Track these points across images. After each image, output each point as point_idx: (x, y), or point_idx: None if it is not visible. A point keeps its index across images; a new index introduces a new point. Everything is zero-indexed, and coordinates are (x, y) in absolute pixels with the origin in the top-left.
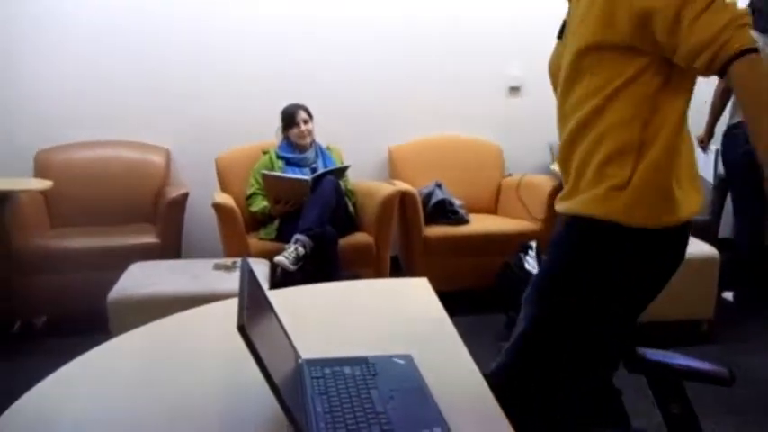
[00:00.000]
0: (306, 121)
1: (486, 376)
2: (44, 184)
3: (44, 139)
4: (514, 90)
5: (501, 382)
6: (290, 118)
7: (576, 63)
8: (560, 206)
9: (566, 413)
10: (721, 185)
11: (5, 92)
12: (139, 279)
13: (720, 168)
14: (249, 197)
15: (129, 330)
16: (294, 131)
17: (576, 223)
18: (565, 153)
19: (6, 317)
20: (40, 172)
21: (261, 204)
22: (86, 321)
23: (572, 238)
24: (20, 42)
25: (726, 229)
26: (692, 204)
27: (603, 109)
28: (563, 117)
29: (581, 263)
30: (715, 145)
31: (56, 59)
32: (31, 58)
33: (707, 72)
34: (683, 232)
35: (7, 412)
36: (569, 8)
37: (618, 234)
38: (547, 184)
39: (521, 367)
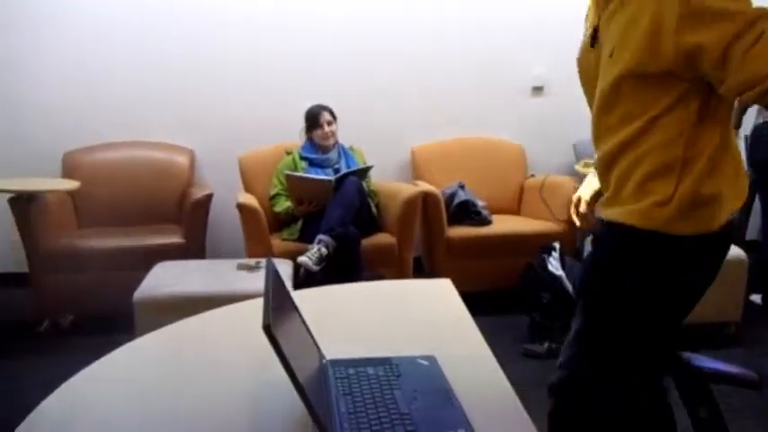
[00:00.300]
0: (330, 123)
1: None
2: (71, 184)
3: (71, 140)
4: (538, 90)
5: (560, 384)
6: (313, 119)
7: (616, 87)
8: (601, 212)
9: (610, 418)
10: (749, 186)
11: (34, 94)
12: (164, 279)
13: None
14: (273, 198)
15: (155, 330)
16: (318, 133)
17: (614, 228)
18: (603, 167)
19: (34, 316)
20: (67, 173)
21: (284, 205)
22: (112, 321)
23: (608, 244)
24: (47, 45)
25: (753, 231)
26: (735, 202)
27: (645, 132)
28: (600, 133)
29: (618, 268)
30: (744, 132)
31: (82, 62)
32: (58, 60)
33: (755, 103)
34: (726, 232)
35: (35, 412)
36: (597, 14)
37: (658, 241)
38: (570, 184)
39: (576, 368)
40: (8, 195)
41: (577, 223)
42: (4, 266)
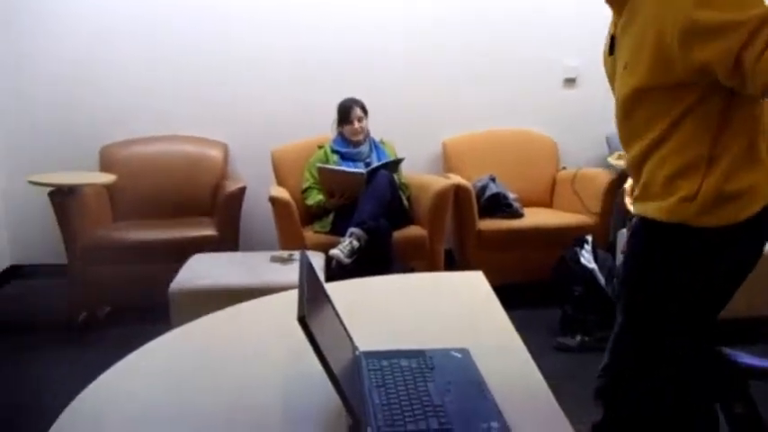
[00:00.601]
0: (360, 119)
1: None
2: (108, 178)
3: (108, 134)
4: (570, 81)
5: (606, 383)
6: (345, 114)
7: (633, 97)
8: (634, 207)
9: (638, 412)
10: None
11: (72, 91)
12: (199, 271)
13: None
14: (305, 191)
15: (190, 321)
16: (348, 128)
17: (645, 223)
18: (632, 168)
19: (72, 306)
20: (104, 167)
21: (316, 198)
22: (148, 312)
23: (640, 238)
24: (85, 44)
25: None
26: None
27: (668, 135)
28: (626, 137)
29: (648, 262)
30: None
31: (119, 60)
32: (96, 58)
33: None
34: (758, 222)
35: (75, 401)
36: (615, 21)
37: (685, 234)
38: (603, 177)
39: (618, 364)
40: (48, 189)
41: (632, 210)
42: (44, 258)
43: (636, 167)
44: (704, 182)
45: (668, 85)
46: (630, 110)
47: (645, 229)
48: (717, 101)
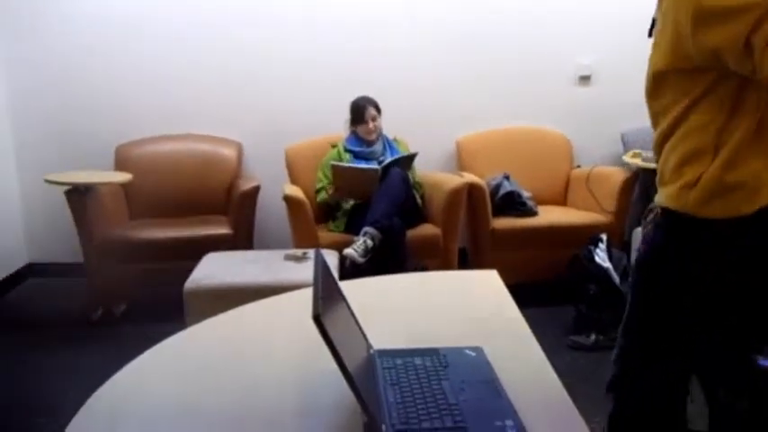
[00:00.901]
0: (374, 118)
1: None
2: (124, 176)
3: (123, 134)
4: (584, 79)
5: (617, 373)
6: (358, 113)
7: (655, 79)
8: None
9: (647, 407)
10: None
11: (88, 91)
12: (214, 269)
13: None
14: (318, 191)
15: (204, 319)
16: (362, 128)
17: (664, 213)
18: (655, 151)
19: (89, 304)
20: (119, 166)
21: (323, 197)
22: (163, 310)
23: (662, 228)
24: (99, 42)
25: None
26: None
27: (682, 119)
28: (652, 116)
29: (666, 254)
30: None
31: (133, 59)
32: (111, 58)
33: None
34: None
35: (90, 399)
36: (657, 6)
37: (692, 223)
38: (618, 175)
39: (625, 353)
40: (65, 188)
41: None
42: (60, 256)
43: (657, 150)
44: (708, 169)
45: (686, 70)
46: (653, 90)
47: (665, 219)
48: (728, 88)
